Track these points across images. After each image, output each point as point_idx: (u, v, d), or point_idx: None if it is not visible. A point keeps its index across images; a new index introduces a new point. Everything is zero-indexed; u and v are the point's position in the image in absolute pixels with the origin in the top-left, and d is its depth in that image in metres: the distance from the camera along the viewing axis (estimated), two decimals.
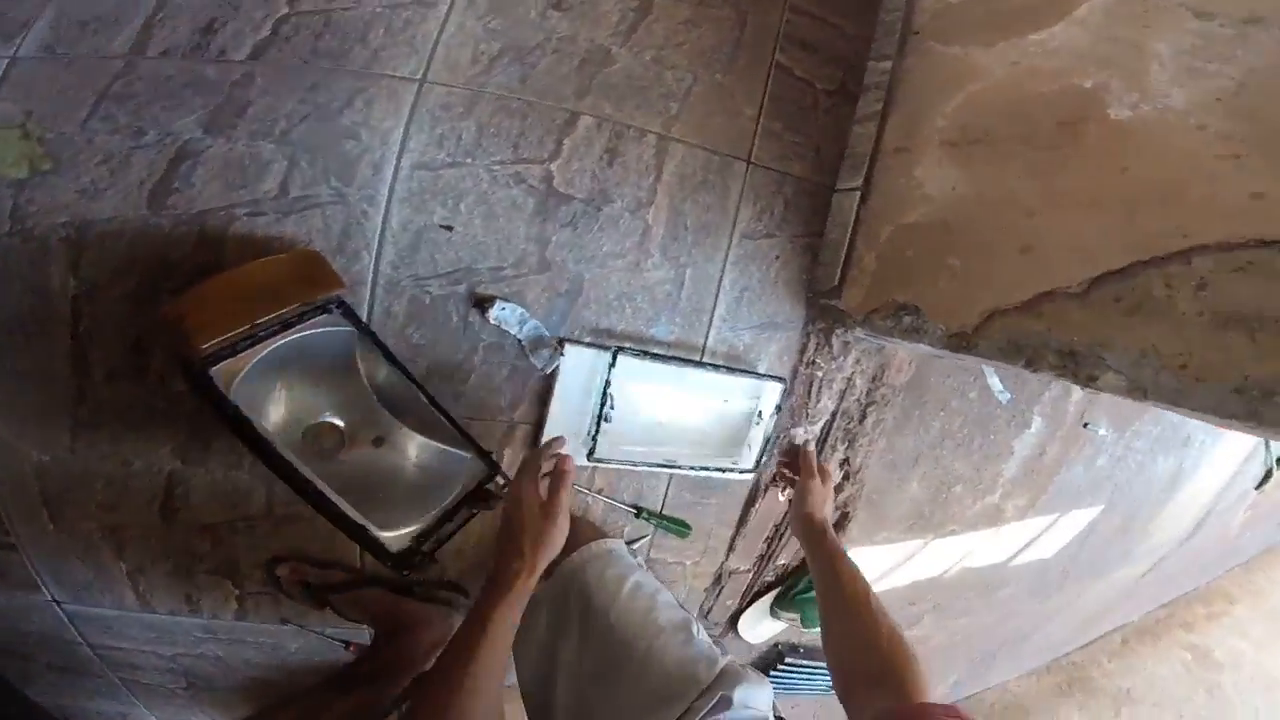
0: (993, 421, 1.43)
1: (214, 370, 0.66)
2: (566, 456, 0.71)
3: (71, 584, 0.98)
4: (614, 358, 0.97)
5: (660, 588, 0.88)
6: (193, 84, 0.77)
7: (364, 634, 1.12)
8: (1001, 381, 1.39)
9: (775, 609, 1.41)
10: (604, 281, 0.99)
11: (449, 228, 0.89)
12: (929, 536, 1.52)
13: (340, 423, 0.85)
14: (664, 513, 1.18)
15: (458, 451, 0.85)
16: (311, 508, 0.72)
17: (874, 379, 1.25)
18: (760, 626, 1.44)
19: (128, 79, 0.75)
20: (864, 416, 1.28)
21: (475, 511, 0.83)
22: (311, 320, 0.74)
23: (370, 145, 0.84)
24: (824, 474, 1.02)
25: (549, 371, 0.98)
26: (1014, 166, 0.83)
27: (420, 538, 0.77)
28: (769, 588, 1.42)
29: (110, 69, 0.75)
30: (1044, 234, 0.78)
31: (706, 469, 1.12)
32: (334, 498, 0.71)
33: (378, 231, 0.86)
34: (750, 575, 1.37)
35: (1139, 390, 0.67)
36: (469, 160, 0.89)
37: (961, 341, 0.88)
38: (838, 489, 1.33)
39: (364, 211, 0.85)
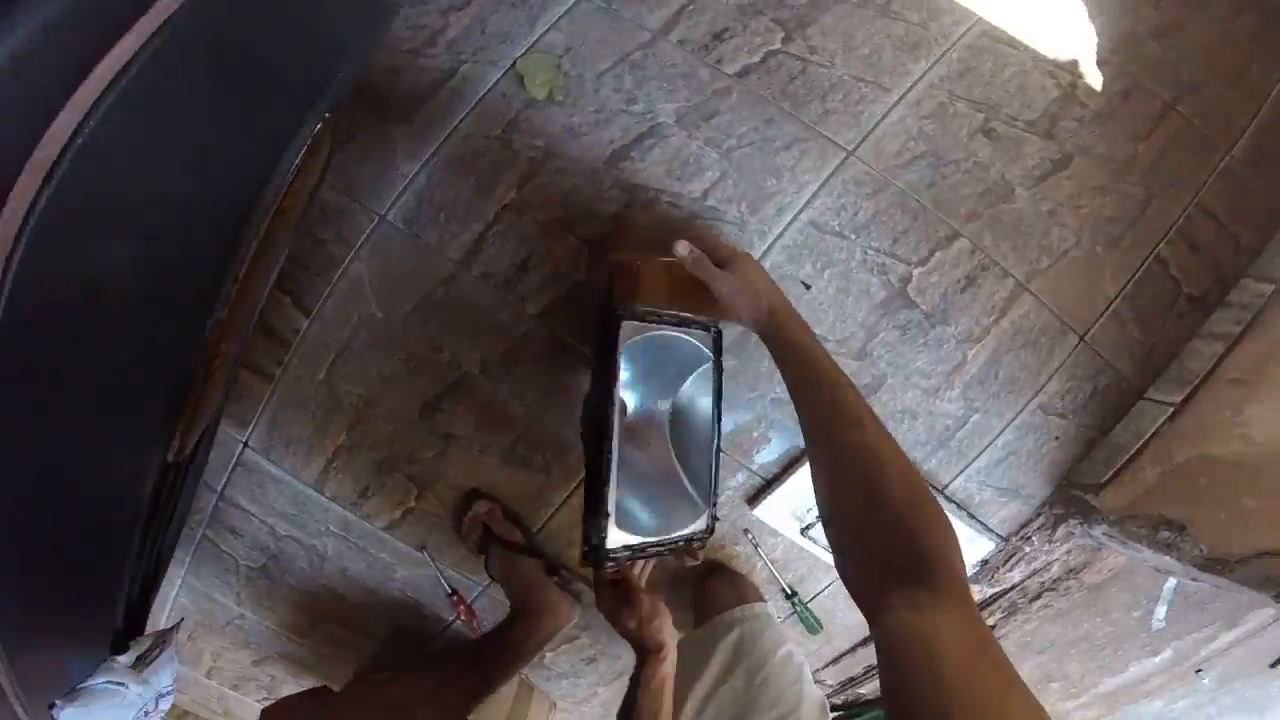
0: (1132, 641, 1.35)
1: (625, 322, 0.74)
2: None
3: (279, 435, 1.04)
4: None
5: (805, 663, 0.92)
6: (687, 77, 0.89)
7: (474, 587, 1.14)
8: (1167, 613, 1.29)
9: None
10: (900, 392, 1.02)
11: (808, 286, 0.96)
12: None
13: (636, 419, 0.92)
14: (809, 605, 1.17)
15: (696, 499, 0.90)
16: (586, 467, 0.79)
17: (1072, 570, 1.20)
18: None
19: (646, 51, 0.88)
20: (1038, 598, 1.23)
21: (670, 555, 0.84)
22: (693, 330, 0.81)
23: (785, 189, 0.93)
24: (734, 261, 0.68)
25: None
26: None
27: (627, 548, 0.78)
28: (833, 708, 1.38)
29: (639, 38, 0.88)
30: None
31: None
32: (613, 475, 0.75)
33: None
34: (830, 692, 1.34)
35: None
36: (852, 236, 0.95)
37: (1217, 565, 0.85)
38: None
39: (752, 241, 0.94)
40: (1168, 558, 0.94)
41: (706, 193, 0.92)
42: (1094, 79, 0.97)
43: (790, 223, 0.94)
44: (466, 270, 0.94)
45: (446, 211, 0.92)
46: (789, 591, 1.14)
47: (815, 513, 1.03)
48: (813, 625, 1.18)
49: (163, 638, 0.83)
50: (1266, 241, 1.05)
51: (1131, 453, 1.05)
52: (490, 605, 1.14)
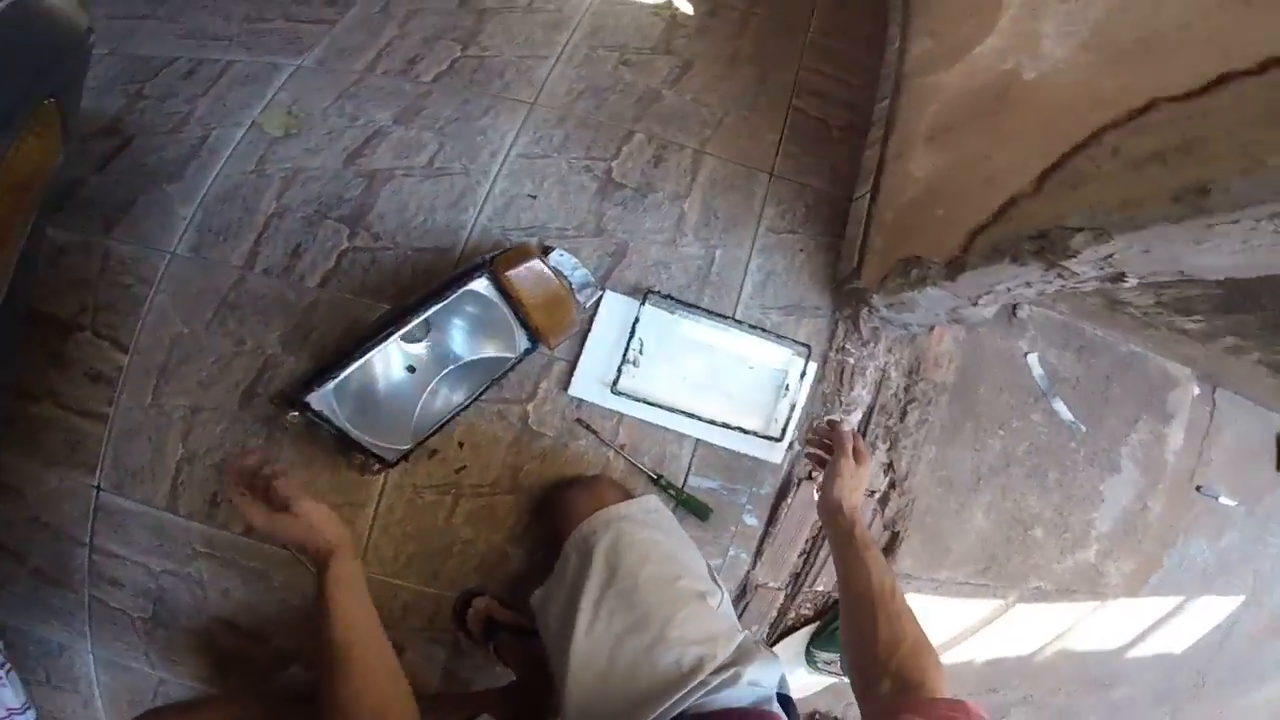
0: (1068, 455, 1.32)
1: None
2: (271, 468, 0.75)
3: (125, 467, 1.11)
4: (644, 300, 1.15)
5: (690, 551, 0.88)
6: (396, 93, 1.24)
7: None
8: (1070, 410, 1.31)
9: (812, 651, 1.24)
10: (645, 250, 1.21)
11: (533, 196, 1.21)
12: (1009, 593, 1.30)
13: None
14: (686, 489, 1.17)
15: (406, 431, 1.03)
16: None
17: (910, 372, 1.27)
18: (791, 678, 1.24)
19: (359, 85, 1.23)
20: (905, 414, 1.26)
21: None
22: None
23: (492, 140, 1.23)
24: (859, 456, 0.88)
25: (590, 310, 1.16)
26: (972, 133, 1.04)
27: (318, 416, 0.90)
28: (805, 622, 1.26)
29: (351, 78, 1.23)
30: (998, 166, 0.95)
31: (729, 426, 1.15)
32: (361, 360, 0.91)
33: (485, 195, 1.20)
34: (782, 597, 1.25)
35: (1103, 234, 0.73)
36: (555, 154, 1.24)
37: (957, 265, 0.98)
38: (883, 498, 1.25)
39: (478, 181, 1.20)
40: (931, 289, 1.06)
41: (431, 160, 1.20)
42: (686, 8, 1.39)
43: (504, 159, 1.22)
44: (250, 270, 1.14)
45: (224, 233, 1.15)
46: (653, 476, 1.16)
47: (618, 368, 1.13)
48: (701, 510, 1.16)
49: None
50: (867, 78, 1.41)
51: (861, 236, 1.25)
52: (374, 590, 1.06)
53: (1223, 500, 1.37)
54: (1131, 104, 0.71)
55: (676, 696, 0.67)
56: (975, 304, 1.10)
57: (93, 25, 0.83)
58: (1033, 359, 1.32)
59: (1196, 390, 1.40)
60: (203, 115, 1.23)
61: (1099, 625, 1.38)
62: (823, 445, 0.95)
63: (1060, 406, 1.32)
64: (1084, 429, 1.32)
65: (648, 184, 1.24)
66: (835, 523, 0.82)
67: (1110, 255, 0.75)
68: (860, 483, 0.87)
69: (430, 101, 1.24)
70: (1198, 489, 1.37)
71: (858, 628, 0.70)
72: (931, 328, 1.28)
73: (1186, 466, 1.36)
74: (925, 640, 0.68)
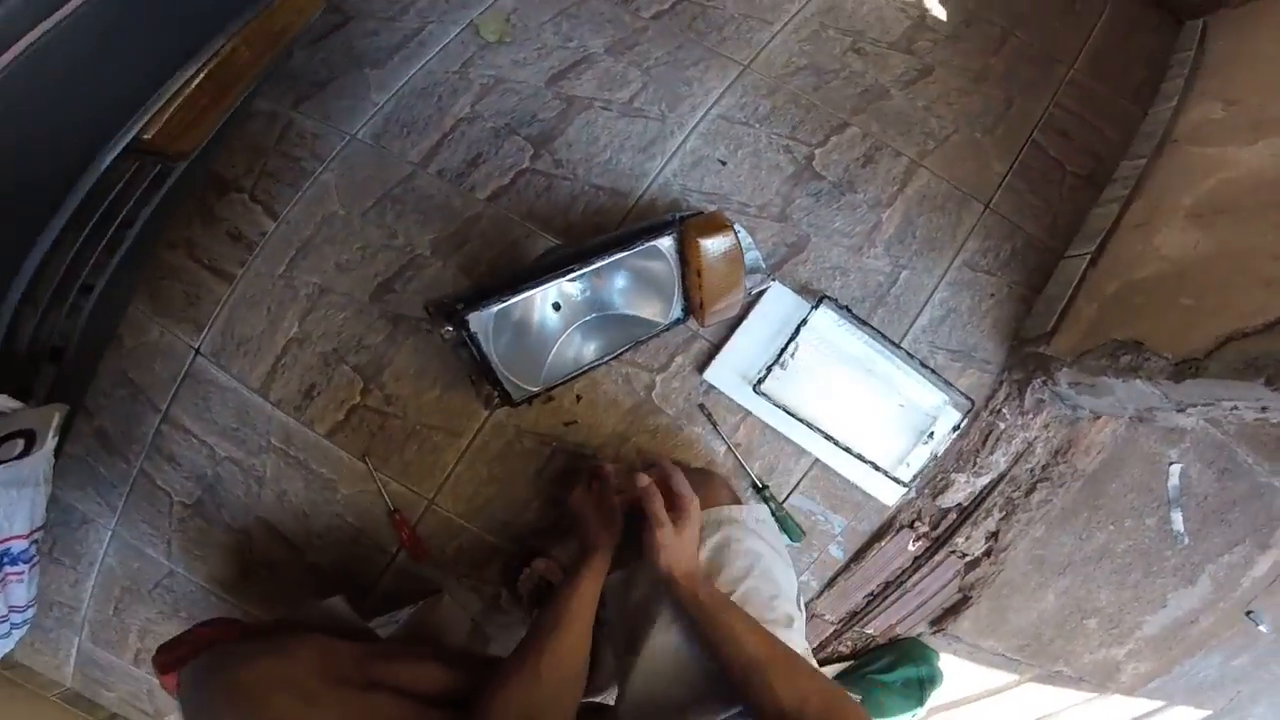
0: (1159, 561, 1.21)
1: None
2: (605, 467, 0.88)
3: (232, 335, 1.07)
4: (818, 303, 1.05)
5: (788, 571, 0.83)
6: (612, 21, 1.17)
7: (418, 506, 1.08)
8: (1184, 522, 1.16)
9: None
10: (826, 250, 1.11)
11: (724, 163, 1.12)
12: (1028, 671, 1.24)
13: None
14: (785, 507, 1.10)
15: (541, 371, 0.99)
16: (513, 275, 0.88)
17: (1057, 452, 1.14)
18: None
19: (578, 6, 1.17)
20: (1032, 490, 1.14)
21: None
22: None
23: (696, 93, 1.15)
24: (680, 514, 0.75)
25: (752, 297, 1.08)
26: (1260, 225, 0.88)
27: (468, 333, 0.86)
28: (839, 659, 1.20)
29: None
30: None
31: (857, 455, 1.05)
32: (521, 294, 0.86)
33: (676, 147, 1.12)
34: (830, 631, 1.18)
35: None
36: (756, 125, 1.14)
37: (1189, 368, 0.84)
38: (973, 562, 1.14)
39: (672, 131, 1.13)
40: (1139, 383, 0.93)
41: (632, 99, 1.14)
42: (938, 11, 1.25)
43: (703, 116, 1.14)
44: (424, 169, 1.11)
45: (410, 128, 1.12)
46: (759, 484, 1.09)
47: (768, 366, 1.05)
48: (794, 531, 1.09)
49: (32, 434, 0.65)
50: (1124, 131, 1.24)
51: (1066, 299, 1.10)
52: (435, 527, 1.07)
53: (1262, 628, 1.29)
54: None
55: (737, 710, 0.65)
56: (1182, 410, 0.95)
57: None
58: (1175, 469, 1.19)
59: None
60: (424, 7, 1.20)
61: (1082, 716, 1.35)
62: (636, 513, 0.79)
63: (1177, 517, 1.20)
64: (1188, 540, 1.21)
65: (849, 182, 1.13)
66: (677, 595, 0.72)
67: None
68: (688, 544, 0.74)
69: (645, 38, 1.17)
70: (1248, 613, 1.28)
71: (757, 697, 0.63)
72: (1097, 416, 1.13)
73: (1252, 593, 1.26)
74: (829, 685, 0.64)
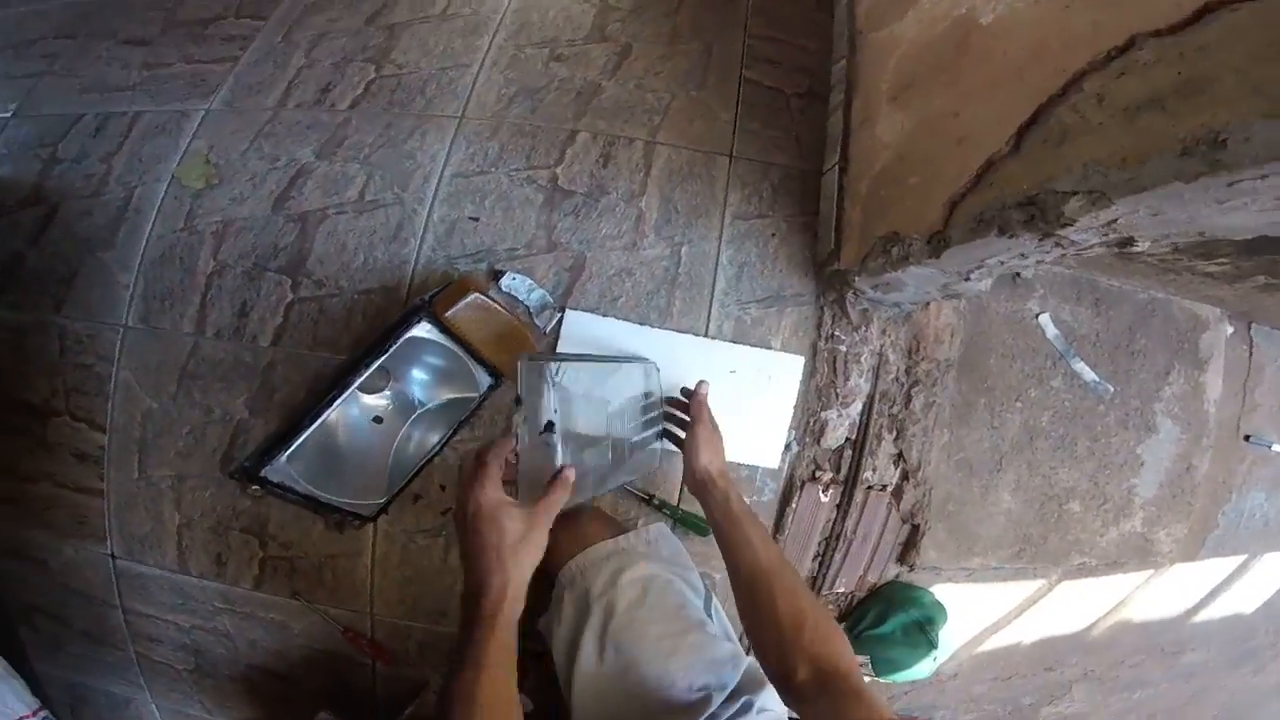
0: (1098, 420, 1.21)
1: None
2: (568, 467, 0.62)
3: (131, 536, 1.14)
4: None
5: (689, 578, 0.85)
6: (313, 126, 1.15)
7: (364, 619, 1.13)
8: (1093, 369, 1.21)
9: None
10: (605, 259, 1.12)
11: (475, 219, 1.12)
12: (1051, 572, 1.22)
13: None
14: (682, 507, 1.11)
15: (383, 487, 1.01)
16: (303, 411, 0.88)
17: (910, 353, 1.17)
18: None
19: (273, 122, 1.15)
20: (909, 399, 1.17)
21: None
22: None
23: (423, 163, 1.14)
24: (713, 421, 0.87)
25: (552, 334, 1.08)
26: (935, 89, 0.93)
27: (280, 487, 0.90)
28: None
29: (264, 116, 1.15)
30: (969, 123, 0.84)
31: None
32: (314, 426, 0.88)
33: (424, 223, 1.11)
34: None
35: (1101, 198, 0.63)
36: (493, 169, 1.14)
37: (940, 241, 0.88)
38: (896, 490, 1.18)
39: (414, 209, 1.12)
40: (914, 267, 0.97)
41: (362, 194, 1.12)
42: None
43: (439, 182, 1.13)
44: (202, 336, 1.09)
45: (169, 299, 1.10)
46: (645, 497, 1.09)
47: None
48: (699, 527, 1.09)
49: None
50: (822, 39, 1.28)
51: (835, 212, 1.15)
52: (388, 632, 1.13)
53: (1276, 449, 1.25)
54: (1109, 42, 0.60)
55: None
56: (967, 279, 1.00)
57: None
58: (1045, 319, 1.21)
59: (1230, 329, 1.27)
60: (121, 174, 1.16)
61: (1157, 593, 1.30)
62: (676, 420, 0.92)
63: (1082, 367, 1.21)
64: (1111, 389, 1.21)
65: (599, 187, 1.15)
66: (711, 495, 0.78)
67: (1114, 220, 0.65)
68: (721, 446, 0.84)
69: (351, 130, 1.15)
70: (1246, 439, 1.25)
71: (756, 608, 0.67)
72: (926, 305, 1.18)
73: (1230, 415, 1.25)
74: (826, 613, 0.66)
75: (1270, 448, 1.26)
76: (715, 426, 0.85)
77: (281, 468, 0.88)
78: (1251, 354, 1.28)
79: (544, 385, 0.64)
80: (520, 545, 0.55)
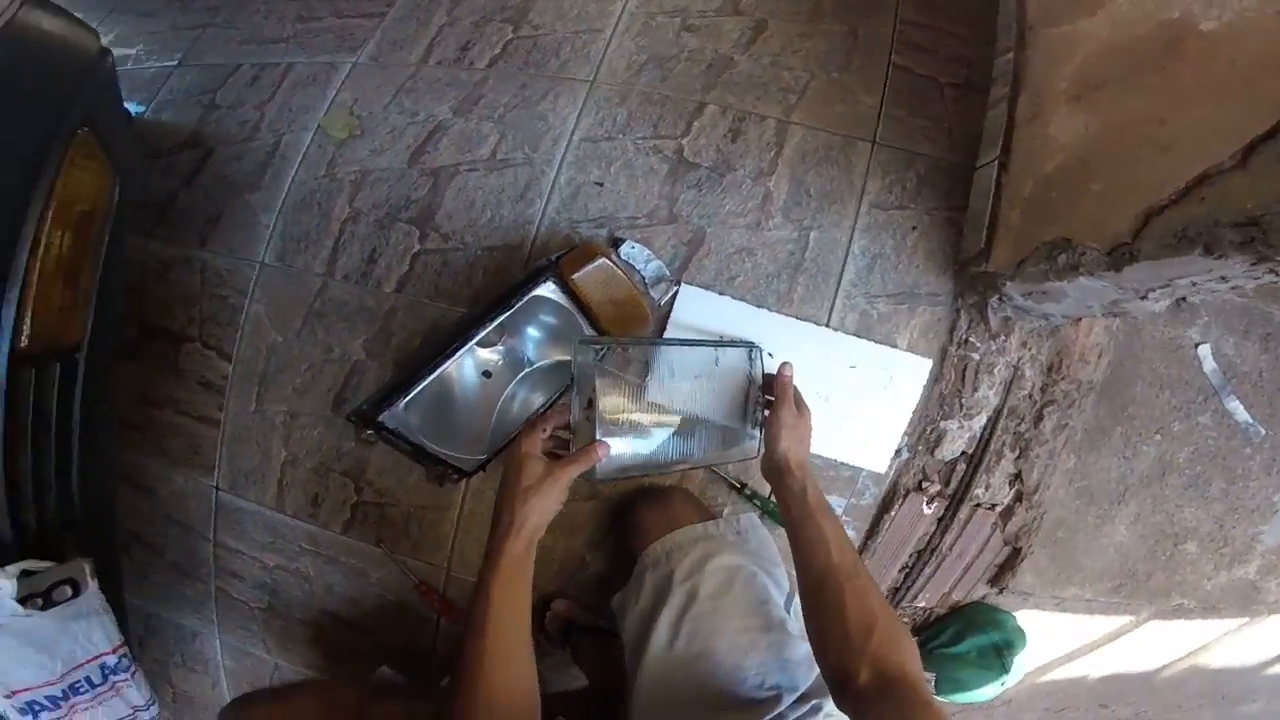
0: (1240, 462, 1.08)
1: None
2: (601, 444, 0.65)
3: (238, 469, 1.19)
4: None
5: (774, 573, 0.82)
6: (452, 83, 1.17)
7: (440, 573, 1.15)
8: (1248, 410, 1.07)
9: None
10: (725, 236, 1.08)
11: (600, 184, 1.10)
12: (1144, 609, 1.11)
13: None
14: (773, 498, 1.05)
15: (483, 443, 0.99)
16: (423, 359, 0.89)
17: (1050, 370, 1.07)
18: None
19: (415, 78, 1.18)
20: (1040, 418, 1.07)
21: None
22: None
23: (553, 125, 1.13)
24: (801, 407, 0.78)
25: (666, 306, 1.05)
26: (1134, 93, 0.84)
27: (390, 432, 0.90)
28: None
29: (406, 71, 1.18)
30: (1179, 132, 0.75)
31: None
32: (433, 375, 0.87)
33: (550, 185, 1.11)
34: None
35: None
36: (620, 136, 1.12)
37: (1124, 253, 0.79)
38: (1005, 511, 1.08)
39: (542, 170, 1.11)
40: (1084, 279, 0.88)
41: (494, 152, 1.13)
42: None
43: (568, 145, 1.12)
44: (331, 278, 1.13)
45: (304, 241, 1.15)
46: (737, 485, 1.06)
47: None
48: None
49: (74, 581, 0.79)
50: (982, 27, 1.18)
51: (989, 210, 1.05)
52: (460, 590, 1.14)
53: None
54: None
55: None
56: (1144, 298, 0.89)
57: (106, 46, 0.82)
58: (1204, 351, 1.08)
59: None
60: (272, 121, 1.23)
61: (1243, 642, 1.20)
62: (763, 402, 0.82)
63: (1236, 406, 1.08)
64: (1264, 432, 1.08)
65: (725, 162, 1.10)
66: (785, 485, 0.72)
67: None
68: (806, 434, 0.76)
69: (487, 89, 1.16)
70: None
71: (825, 607, 0.63)
72: (1078, 319, 1.07)
73: None
74: (896, 620, 0.62)
75: None
76: (803, 412, 0.76)
77: (399, 414, 0.89)
78: None
79: (591, 365, 0.67)
80: (531, 490, 0.61)
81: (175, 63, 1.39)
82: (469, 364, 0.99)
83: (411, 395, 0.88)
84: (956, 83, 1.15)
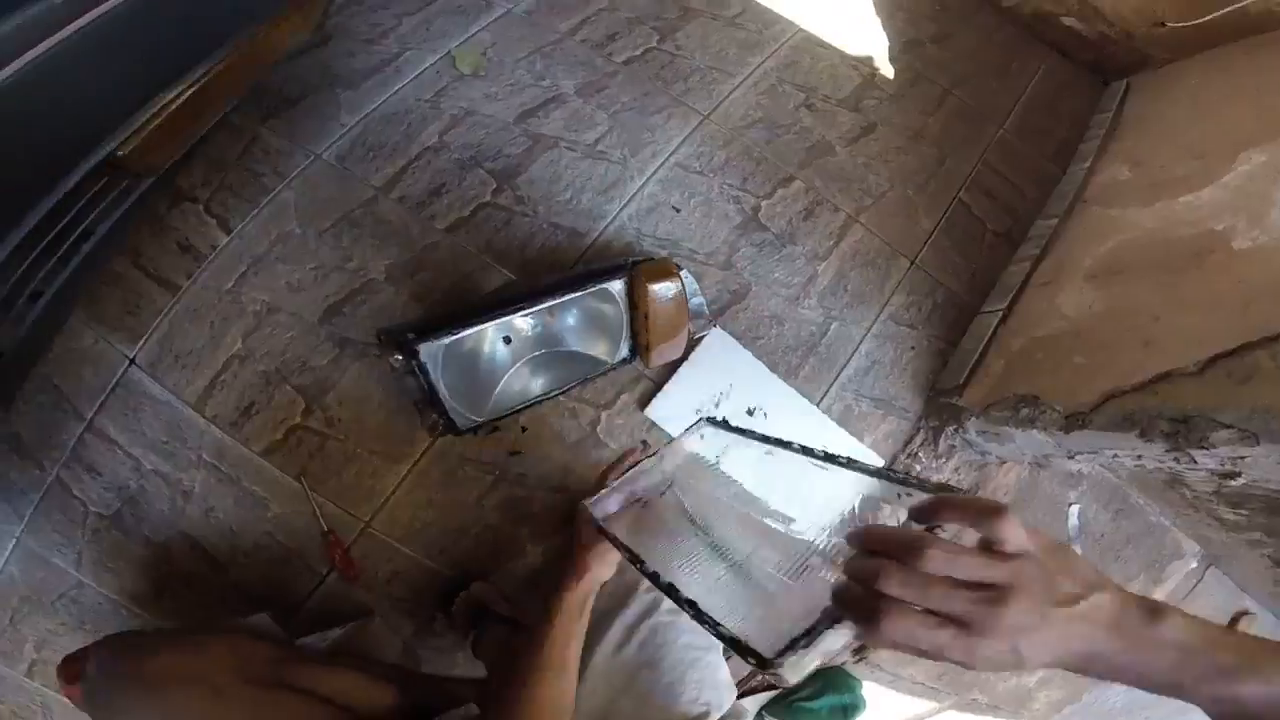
0: None
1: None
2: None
3: (169, 348, 1.05)
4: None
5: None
6: (585, 64, 1.22)
7: (353, 528, 1.06)
8: (1079, 530, 1.32)
9: (764, 716, 1.27)
10: (766, 298, 1.21)
11: (678, 210, 1.20)
12: (948, 699, 1.36)
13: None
14: None
15: (491, 396, 1.01)
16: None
17: (969, 491, 1.26)
18: None
19: (555, 46, 1.22)
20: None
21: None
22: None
23: (658, 140, 1.21)
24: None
25: (695, 340, 1.16)
26: (1146, 285, 0.98)
27: (413, 361, 0.88)
28: (767, 688, 1.28)
29: (550, 37, 1.22)
30: (1165, 331, 0.89)
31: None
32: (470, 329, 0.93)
33: (634, 192, 1.19)
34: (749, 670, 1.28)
35: (1250, 438, 0.70)
36: (710, 175, 1.22)
37: (1076, 420, 0.95)
38: None
39: (632, 176, 1.20)
40: (1036, 433, 1.04)
41: (597, 141, 1.20)
42: (887, 70, 1.34)
43: (662, 163, 1.21)
44: (386, 195, 1.13)
45: (375, 152, 1.15)
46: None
47: (717, 404, 1.13)
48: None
49: None
50: (1043, 190, 1.36)
51: (978, 354, 1.22)
52: (369, 549, 1.06)
53: None
54: None
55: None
56: (1072, 458, 1.08)
57: None
58: (1074, 510, 1.33)
59: (1194, 564, 1.43)
60: (405, 33, 1.23)
61: None
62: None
63: (1073, 519, 1.34)
64: (1078, 535, 1.33)
65: (790, 234, 1.22)
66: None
67: (1243, 458, 0.72)
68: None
69: (615, 83, 1.23)
70: None
71: None
72: (1004, 461, 1.27)
73: None
74: None
75: None
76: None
77: (435, 350, 0.89)
78: (1195, 587, 1.43)
79: (683, 445, 0.68)
80: (595, 545, 0.63)
81: None
82: (504, 327, 1.00)
83: (457, 337, 0.89)
84: (998, 231, 1.32)
